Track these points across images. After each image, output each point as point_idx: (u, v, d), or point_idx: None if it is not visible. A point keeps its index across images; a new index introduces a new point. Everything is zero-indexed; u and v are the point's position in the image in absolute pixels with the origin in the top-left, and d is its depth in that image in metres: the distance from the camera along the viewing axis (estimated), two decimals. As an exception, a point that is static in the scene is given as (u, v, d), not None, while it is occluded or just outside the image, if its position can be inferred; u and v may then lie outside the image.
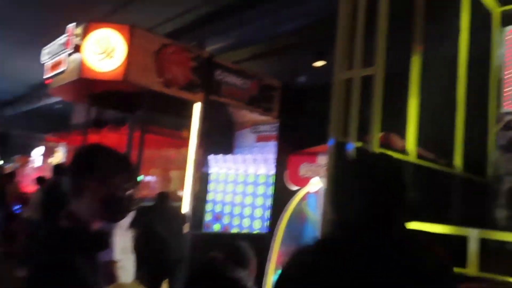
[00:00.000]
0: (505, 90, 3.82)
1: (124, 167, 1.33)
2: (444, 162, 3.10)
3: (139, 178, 6.76)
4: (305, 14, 4.84)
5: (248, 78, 5.67)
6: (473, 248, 1.77)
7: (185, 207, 5.12)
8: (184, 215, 4.69)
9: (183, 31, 6.27)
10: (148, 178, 7.41)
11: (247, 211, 6.44)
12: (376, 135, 2.06)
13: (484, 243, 1.89)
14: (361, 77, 2.06)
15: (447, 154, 3.20)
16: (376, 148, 2.05)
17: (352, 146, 2.08)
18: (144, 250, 3.72)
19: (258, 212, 6.32)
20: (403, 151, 2.67)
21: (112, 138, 5.96)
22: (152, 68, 4.57)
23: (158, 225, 3.77)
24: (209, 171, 7.03)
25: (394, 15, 2.14)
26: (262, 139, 6.93)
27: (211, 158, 6.99)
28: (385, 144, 3.06)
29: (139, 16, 5.43)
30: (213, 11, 5.76)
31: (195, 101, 5.09)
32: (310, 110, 6.30)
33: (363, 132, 2.17)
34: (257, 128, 6.96)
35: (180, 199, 5.33)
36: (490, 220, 3.76)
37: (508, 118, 3.79)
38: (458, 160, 3.19)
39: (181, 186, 5.43)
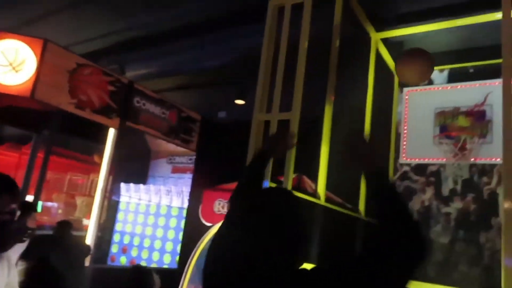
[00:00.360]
0: (403, 143, 4.24)
1: (4, 188, 1.19)
2: (350, 207, 3.30)
3: (38, 204, 6.16)
4: (230, 53, 4.98)
5: (168, 108, 5.59)
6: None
7: (89, 238, 4.74)
8: (87, 246, 4.32)
9: (104, 53, 6.04)
10: (50, 204, 6.78)
11: (157, 244, 6.16)
12: (290, 176, 2.13)
13: None
14: (278, 121, 2.15)
15: (353, 199, 3.42)
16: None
17: (267, 184, 2.12)
18: (37, 286, 3.33)
19: (168, 246, 6.08)
20: (313, 193, 2.78)
21: (11, 157, 5.39)
22: (65, 87, 4.29)
23: (55, 257, 3.41)
24: (119, 200, 6.66)
25: (310, 65, 2.29)
26: (178, 170, 6.79)
27: (122, 186, 6.65)
28: (297, 185, 3.18)
29: (56, 32, 5.13)
30: (137, 36, 5.66)
31: (110, 126, 4.86)
32: (229, 146, 6.36)
33: (278, 173, 2.24)
34: (174, 159, 6.83)
35: (84, 228, 4.92)
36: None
37: (404, 169, 4.19)
38: (362, 205, 3.41)
39: (87, 214, 5.03)
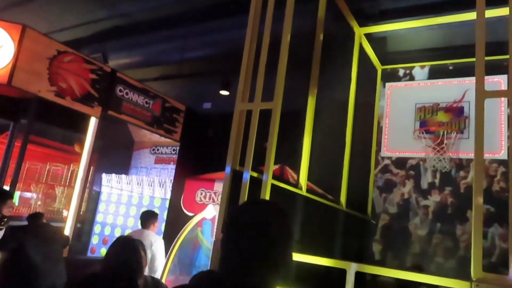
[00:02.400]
0: (384, 137, 4.32)
1: None
2: (331, 198, 3.35)
3: (15, 194, 6.06)
4: (215, 44, 4.96)
5: (152, 98, 5.53)
6: (350, 280, 1.91)
7: (68, 229, 4.68)
8: (65, 238, 4.27)
9: (86, 42, 5.94)
10: (29, 195, 6.65)
11: (137, 236, 6.13)
12: (271, 168, 2.14)
13: (361, 275, 2.04)
14: (260, 111, 2.16)
15: (335, 191, 3.47)
16: (270, 180, 2.13)
17: (248, 175, 2.13)
18: (12, 277, 3.28)
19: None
20: (295, 184, 2.81)
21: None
22: (44, 74, 4.19)
23: (30, 248, 3.36)
24: (101, 191, 6.59)
25: (294, 58, 2.30)
26: (161, 161, 6.75)
27: (104, 177, 6.58)
28: (279, 175, 3.21)
29: (36, 20, 5.01)
30: (120, 25, 5.58)
31: (91, 115, 4.79)
32: (213, 137, 6.35)
33: (260, 163, 2.25)
34: (157, 149, 6.78)
35: (64, 219, 4.86)
36: (368, 253, 4.12)
37: (385, 162, 4.27)
38: (343, 197, 3.46)
39: (67, 205, 4.97)
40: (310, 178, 2.88)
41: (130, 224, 6.21)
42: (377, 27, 3.79)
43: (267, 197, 2.09)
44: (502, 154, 3.68)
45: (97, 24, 5.78)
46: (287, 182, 2.76)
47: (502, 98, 3.72)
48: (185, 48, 5.17)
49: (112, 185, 6.56)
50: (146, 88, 5.46)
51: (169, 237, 5.23)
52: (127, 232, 6.16)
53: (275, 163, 2.45)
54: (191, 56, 5.29)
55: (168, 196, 5.88)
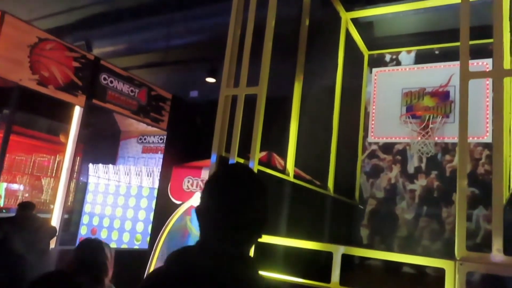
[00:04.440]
0: (371, 122, 4.33)
1: None
2: (319, 184, 3.36)
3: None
4: (200, 31, 4.89)
5: (138, 86, 5.45)
6: (337, 263, 1.92)
7: (55, 220, 4.63)
8: (52, 228, 4.22)
9: (69, 30, 5.80)
10: (15, 186, 6.56)
11: (127, 225, 6.10)
12: (257, 153, 2.13)
13: (348, 259, 2.06)
14: (247, 98, 2.14)
15: (322, 176, 3.48)
16: (256, 166, 2.12)
17: (233, 161, 2.12)
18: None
19: (139, 227, 6.03)
20: (282, 170, 2.81)
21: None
22: (25, 62, 4.09)
23: (15, 239, 3.32)
24: (88, 181, 6.52)
25: (280, 44, 2.28)
26: (149, 150, 6.70)
27: (91, 167, 6.51)
28: (266, 162, 3.20)
29: (17, 7, 4.87)
30: (103, 12, 5.46)
31: (75, 104, 4.70)
32: (200, 125, 6.31)
33: (246, 150, 2.24)
34: (144, 138, 6.71)
35: (51, 210, 4.80)
36: (356, 238, 4.17)
37: (372, 147, 4.29)
38: (330, 182, 3.48)
39: (54, 196, 4.90)
40: (297, 164, 2.88)
41: (118, 214, 6.17)
42: (363, 11, 3.76)
43: (254, 183, 2.07)
44: (487, 138, 3.73)
45: (80, 11, 5.64)
46: (274, 168, 2.75)
47: (488, 82, 3.75)
48: (170, 35, 5.09)
49: (99, 175, 6.50)
50: (131, 76, 5.37)
51: (158, 226, 5.21)
52: (115, 222, 6.14)
53: (262, 150, 2.44)
54: (176, 43, 5.21)
55: (156, 185, 5.85)
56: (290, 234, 2.36)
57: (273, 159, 3.19)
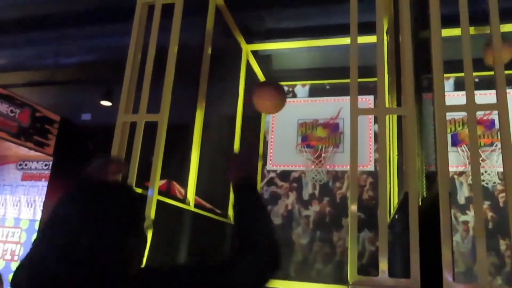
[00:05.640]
0: (270, 151, 4.49)
1: None
2: (219, 212, 3.33)
3: None
4: (94, 50, 4.62)
5: (19, 106, 4.89)
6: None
7: None
8: None
9: None
10: None
11: (-2, 264, 5.31)
12: (157, 182, 2.04)
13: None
14: (146, 124, 2.05)
15: (222, 204, 3.46)
16: (156, 196, 2.02)
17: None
18: None
19: (14, 266, 5.27)
20: (183, 199, 2.73)
21: None
22: None
23: None
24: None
25: (182, 70, 2.25)
26: (30, 177, 5.99)
27: (-46, 197, 5.58)
28: (166, 191, 3.08)
29: None
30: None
31: None
32: (92, 150, 5.87)
33: (145, 179, 2.13)
34: (25, 164, 6.00)
35: None
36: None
37: (271, 175, 4.44)
38: (230, 211, 3.47)
39: None
40: (198, 192, 2.82)
41: (-11, 252, 5.35)
42: (262, 45, 3.95)
43: (152, 215, 1.97)
44: (371, 166, 4.12)
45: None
46: (174, 197, 2.66)
47: (370, 117, 4.18)
48: (60, 52, 4.70)
49: (-35, 206, 5.60)
50: (11, 95, 4.81)
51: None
52: (-16, 261, 5.28)
53: (161, 179, 2.34)
54: (67, 62, 4.83)
55: (38, 217, 5.23)
56: (190, 263, 2.27)
57: (173, 187, 3.09)
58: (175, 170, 2.94)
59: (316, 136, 4.36)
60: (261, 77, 4.41)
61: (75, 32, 4.61)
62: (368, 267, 3.77)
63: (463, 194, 3.91)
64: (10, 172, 6.01)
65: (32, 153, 5.39)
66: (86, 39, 4.62)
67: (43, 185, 5.72)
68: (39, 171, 5.98)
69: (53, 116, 5.41)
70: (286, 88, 4.64)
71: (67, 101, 6.05)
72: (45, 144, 5.24)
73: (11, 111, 4.78)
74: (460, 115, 3.95)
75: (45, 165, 5.87)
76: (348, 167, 4.33)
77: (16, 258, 5.40)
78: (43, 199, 5.28)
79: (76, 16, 4.43)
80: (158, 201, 2.04)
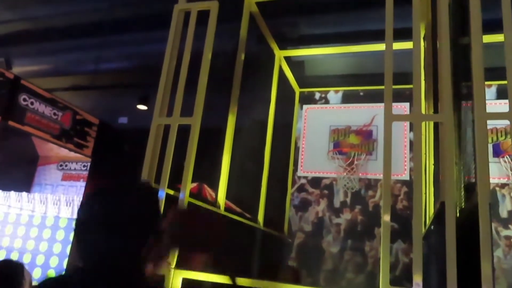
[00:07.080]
0: (301, 157, 4.46)
1: None
2: (249, 217, 3.34)
3: None
4: (133, 57, 4.79)
5: (61, 109, 5.12)
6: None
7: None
8: None
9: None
10: None
11: (39, 259, 5.53)
12: (188, 184, 2.07)
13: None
14: (180, 128, 2.10)
15: (252, 209, 3.47)
16: (187, 198, 2.05)
17: (163, 193, 2.04)
18: None
19: (53, 261, 5.50)
20: (213, 202, 2.76)
21: None
22: None
23: None
24: (-5, 210, 5.87)
25: (215, 76, 2.29)
26: (69, 177, 6.25)
27: (0, 194, 5.88)
28: (196, 193, 3.13)
29: None
30: (28, 29, 5.13)
31: (-12, 126, 4.29)
32: (129, 153, 6.05)
33: (177, 181, 2.17)
34: (65, 165, 6.26)
35: None
36: (284, 271, 4.17)
37: (301, 181, 4.41)
38: (260, 215, 3.48)
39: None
40: (228, 196, 2.85)
41: (29, 248, 5.59)
42: (295, 51, 3.95)
43: (183, 217, 2.00)
44: (405, 175, 4.01)
45: (1, 26, 5.25)
46: (205, 200, 2.69)
47: (405, 124, 4.07)
48: (100, 58, 4.90)
49: (10, 203, 5.89)
50: (54, 98, 5.04)
51: (74, 261, 4.80)
52: (25, 256, 5.53)
53: (193, 181, 2.38)
54: (106, 67, 5.03)
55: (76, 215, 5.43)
56: (219, 268, 2.29)
57: (204, 191, 3.13)
58: (207, 173, 2.98)
59: (348, 143, 4.30)
60: (293, 83, 4.40)
61: (115, 39, 4.80)
62: (401, 279, 3.66)
63: (505, 207, 3.70)
64: (51, 172, 6.30)
65: (72, 154, 5.62)
66: (125, 46, 4.80)
67: (81, 185, 5.95)
68: (78, 171, 6.23)
69: (92, 119, 5.62)
70: (318, 95, 4.61)
71: (106, 105, 6.29)
72: (84, 146, 5.46)
73: (54, 114, 5.01)
74: (503, 124, 3.75)
75: (84, 166, 6.10)
76: (381, 175, 4.25)
77: (54, 255, 5.63)
78: (81, 199, 5.48)
79: (116, 25, 4.61)
80: (189, 203, 2.07)
